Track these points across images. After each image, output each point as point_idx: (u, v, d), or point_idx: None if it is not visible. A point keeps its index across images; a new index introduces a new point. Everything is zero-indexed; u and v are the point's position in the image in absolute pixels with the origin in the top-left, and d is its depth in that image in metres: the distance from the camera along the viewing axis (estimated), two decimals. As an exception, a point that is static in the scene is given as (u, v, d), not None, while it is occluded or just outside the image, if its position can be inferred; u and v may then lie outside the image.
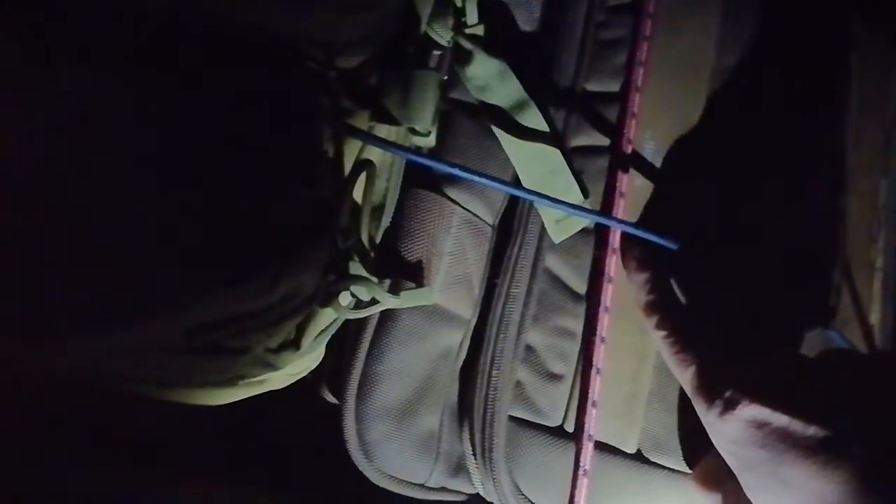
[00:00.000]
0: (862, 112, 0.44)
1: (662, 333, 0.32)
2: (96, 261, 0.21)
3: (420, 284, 0.31)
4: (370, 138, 0.28)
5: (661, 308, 0.33)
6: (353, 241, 0.27)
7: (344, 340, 0.32)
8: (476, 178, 0.33)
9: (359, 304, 0.30)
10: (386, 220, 0.31)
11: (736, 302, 0.37)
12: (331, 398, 0.33)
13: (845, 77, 0.40)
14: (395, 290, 0.29)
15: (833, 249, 0.40)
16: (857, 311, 0.42)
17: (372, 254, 0.29)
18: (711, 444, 0.30)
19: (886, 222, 0.44)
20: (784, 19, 0.40)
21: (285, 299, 0.24)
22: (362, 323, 0.32)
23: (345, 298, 0.29)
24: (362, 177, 0.29)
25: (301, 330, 0.27)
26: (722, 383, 0.29)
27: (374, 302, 0.29)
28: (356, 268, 0.28)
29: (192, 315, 0.22)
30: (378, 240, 0.31)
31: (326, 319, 0.28)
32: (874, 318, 0.42)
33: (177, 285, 0.22)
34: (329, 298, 0.26)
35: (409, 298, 0.30)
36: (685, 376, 0.31)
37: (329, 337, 0.30)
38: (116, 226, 0.22)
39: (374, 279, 0.27)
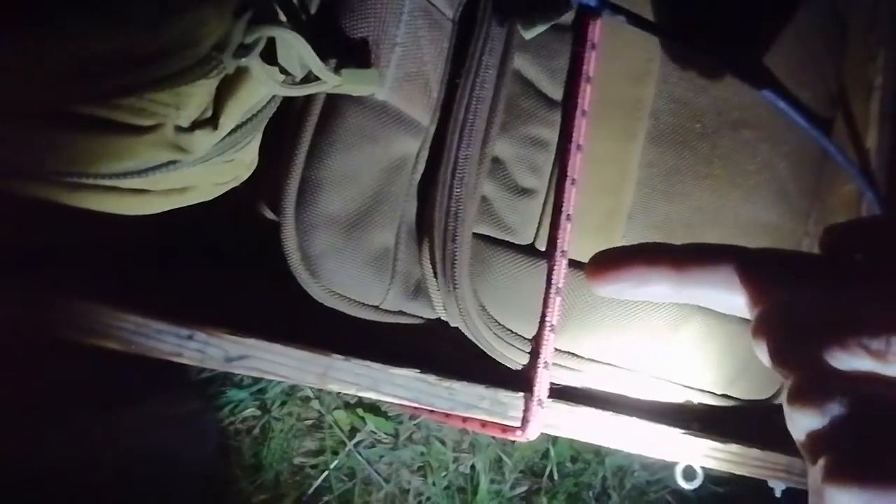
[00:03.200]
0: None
1: None
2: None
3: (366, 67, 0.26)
4: None
5: None
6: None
7: (281, 147, 0.28)
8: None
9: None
10: (324, -10, 0.26)
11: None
12: (270, 214, 0.29)
13: None
14: (336, 71, 0.24)
15: (831, 59, 0.37)
16: (853, 134, 0.39)
17: (303, 16, 0.24)
18: None
19: (886, 38, 0.40)
20: None
21: (181, 41, 0.19)
22: (301, 122, 0.27)
23: (274, 73, 0.23)
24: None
25: (219, 104, 0.22)
26: None
27: (309, 80, 0.24)
28: (287, 38, 0.22)
29: (58, 44, 0.17)
30: (313, 10, 0.25)
31: (252, 94, 0.23)
32: (870, 141, 0.39)
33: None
34: (244, 51, 0.21)
35: (352, 78, 0.25)
36: None
37: (261, 125, 0.25)
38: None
39: (304, 40, 0.22)
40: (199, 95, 0.21)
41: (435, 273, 0.29)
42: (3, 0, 0.16)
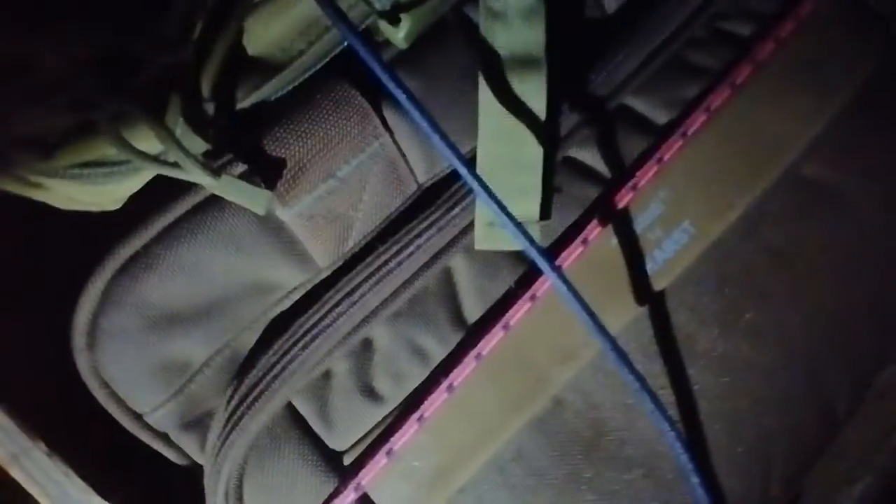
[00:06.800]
0: None
1: None
2: None
3: (270, 186, 0.23)
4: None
5: None
6: (174, 59, 0.19)
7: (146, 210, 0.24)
8: (423, 124, 0.24)
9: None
10: (275, 86, 0.23)
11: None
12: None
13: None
14: (216, 170, 0.21)
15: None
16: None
17: (211, 107, 0.21)
18: None
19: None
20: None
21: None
22: (178, 195, 0.24)
23: (152, 142, 0.21)
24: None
25: (65, 139, 0.20)
26: None
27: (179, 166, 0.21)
28: (175, 108, 0.20)
29: None
30: (245, 103, 0.23)
31: (92, 149, 0.20)
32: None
33: None
34: (84, 106, 0.18)
35: (232, 187, 0.21)
36: None
37: (123, 178, 0.22)
38: None
39: (171, 130, 0.19)
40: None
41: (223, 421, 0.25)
42: None
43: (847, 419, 0.31)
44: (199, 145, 0.22)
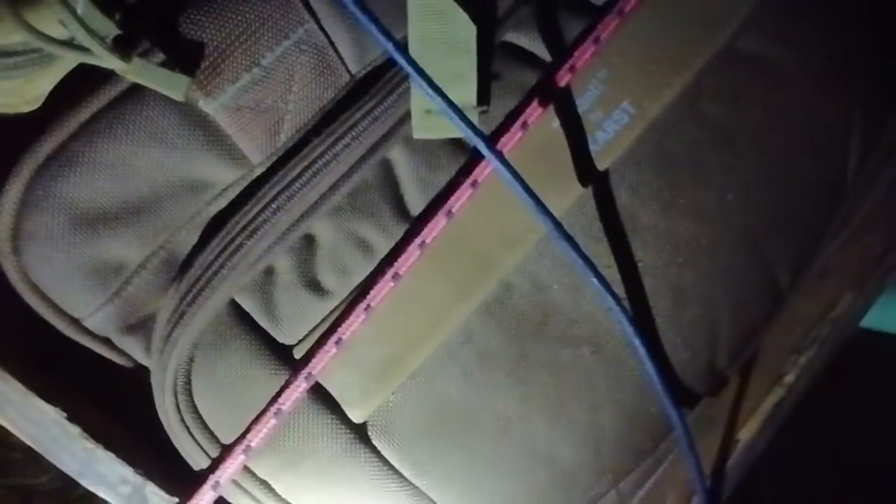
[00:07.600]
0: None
1: None
2: None
3: (189, 75, 0.22)
4: None
5: None
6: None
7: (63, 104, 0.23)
8: (351, 4, 0.24)
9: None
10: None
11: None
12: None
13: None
14: (127, 53, 0.20)
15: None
16: (730, 417, 0.34)
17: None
18: None
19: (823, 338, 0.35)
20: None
21: None
22: (95, 88, 0.23)
23: (58, 29, 0.19)
24: None
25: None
26: None
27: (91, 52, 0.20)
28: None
29: None
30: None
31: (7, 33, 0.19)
32: (744, 433, 0.34)
33: None
34: None
35: (145, 71, 0.21)
36: None
37: (27, 73, 0.21)
38: None
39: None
40: None
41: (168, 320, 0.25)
42: None
43: (790, 292, 0.32)
44: (107, 29, 0.21)
